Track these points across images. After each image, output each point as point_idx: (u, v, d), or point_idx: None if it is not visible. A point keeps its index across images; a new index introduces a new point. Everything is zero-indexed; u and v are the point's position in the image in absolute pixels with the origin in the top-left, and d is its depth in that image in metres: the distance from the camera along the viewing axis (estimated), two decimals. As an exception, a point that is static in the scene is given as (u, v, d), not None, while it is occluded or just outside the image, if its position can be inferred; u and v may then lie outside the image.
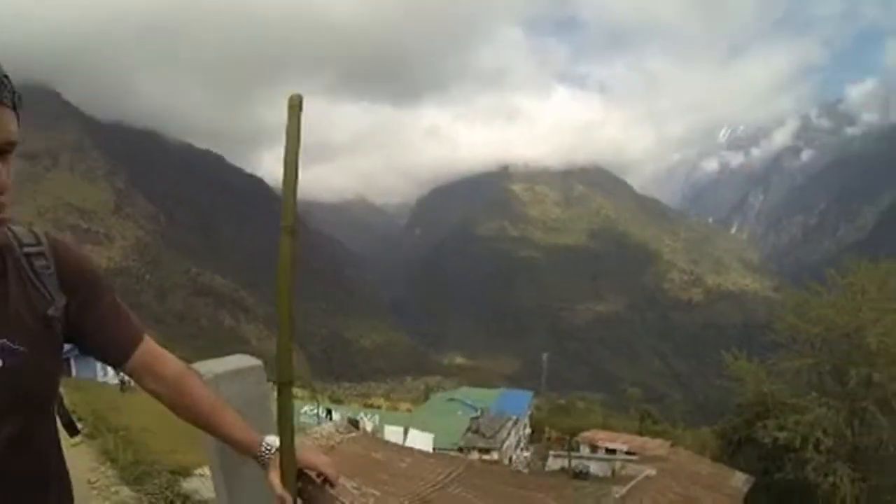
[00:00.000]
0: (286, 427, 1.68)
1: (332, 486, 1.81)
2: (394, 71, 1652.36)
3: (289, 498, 1.71)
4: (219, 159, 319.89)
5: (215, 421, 1.75)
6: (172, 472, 7.28)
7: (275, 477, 1.71)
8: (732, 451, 32.91)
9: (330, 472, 1.79)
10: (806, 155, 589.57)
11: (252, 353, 2.94)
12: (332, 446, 16.76)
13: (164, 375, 1.70)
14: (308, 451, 1.79)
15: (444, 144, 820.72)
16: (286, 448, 1.70)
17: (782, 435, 25.11)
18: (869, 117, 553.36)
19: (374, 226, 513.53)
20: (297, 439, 1.55)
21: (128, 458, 7.48)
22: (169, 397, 1.71)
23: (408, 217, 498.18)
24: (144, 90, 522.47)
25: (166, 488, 6.76)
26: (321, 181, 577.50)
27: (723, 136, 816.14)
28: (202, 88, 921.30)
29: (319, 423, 24.94)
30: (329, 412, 39.49)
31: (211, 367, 2.08)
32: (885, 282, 25.72)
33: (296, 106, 1.56)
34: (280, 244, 1.57)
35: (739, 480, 29.14)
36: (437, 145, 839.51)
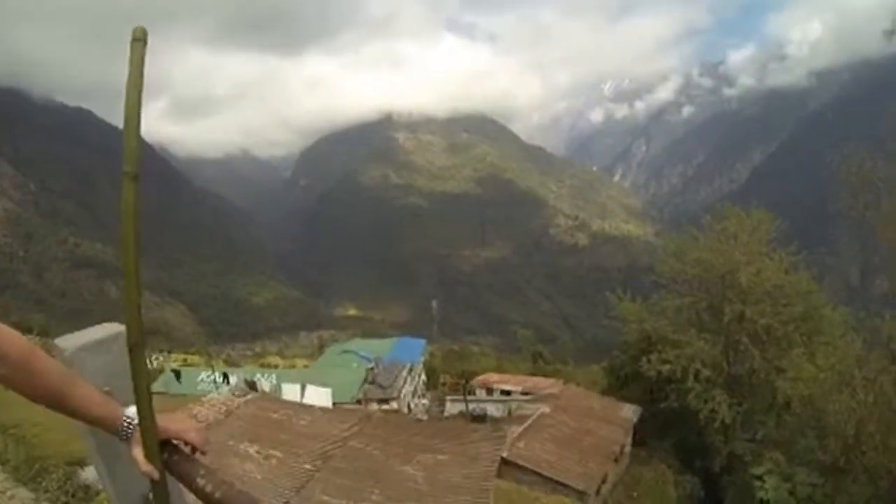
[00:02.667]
0: (143, 395, 1.56)
1: (202, 453, 1.69)
2: (277, 19, 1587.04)
3: (154, 473, 1.58)
4: (90, 116, 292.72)
5: (68, 399, 1.56)
6: (69, 464, 6.97)
7: (137, 452, 1.59)
8: (620, 385, 35.14)
9: (194, 438, 1.67)
10: (687, 111, 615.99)
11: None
12: (230, 411, 16.49)
13: (6, 356, 1.49)
14: (170, 420, 1.66)
15: (328, 94, 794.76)
16: (145, 418, 1.57)
17: (665, 368, 27.17)
18: (746, 80, 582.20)
19: (258, 180, 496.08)
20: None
21: (20, 456, 7.04)
22: (14, 380, 1.52)
23: (292, 169, 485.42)
24: (3, 43, 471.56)
25: (65, 482, 6.50)
26: (204, 136, 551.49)
27: (608, 88, 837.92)
28: (70, 40, 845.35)
29: (217, 389, 24.34)
30: (226, 376, 38.52)
31: (72, 340, 1.89)
32: (756, 228, 28.35)
33: (140, 39, 1.42)
34: (123, 191, 1.45)
35: (628, 411, 31.25)
36: (321, 95, 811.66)
